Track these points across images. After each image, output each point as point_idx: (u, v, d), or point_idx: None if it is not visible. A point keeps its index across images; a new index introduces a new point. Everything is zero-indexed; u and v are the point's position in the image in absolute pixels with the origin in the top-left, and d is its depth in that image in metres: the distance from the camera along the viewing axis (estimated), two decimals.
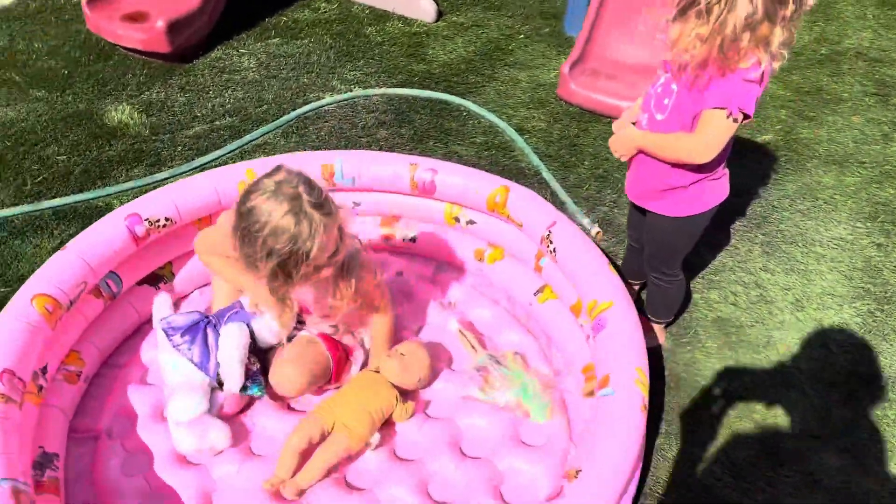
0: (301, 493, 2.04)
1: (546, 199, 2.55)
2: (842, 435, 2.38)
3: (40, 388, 2.12)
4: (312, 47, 4.20)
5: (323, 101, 3.74)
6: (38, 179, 3.25)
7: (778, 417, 2.42)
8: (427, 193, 2.67)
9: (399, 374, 2.22)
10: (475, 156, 3.44)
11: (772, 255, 2.99)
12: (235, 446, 2.18)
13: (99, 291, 2.36)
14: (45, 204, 3.10)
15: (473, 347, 2.38)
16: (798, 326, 2.72)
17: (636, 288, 2.71)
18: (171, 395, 2.16)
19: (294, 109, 3.69)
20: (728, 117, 1.86)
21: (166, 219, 2.42)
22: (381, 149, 3.45)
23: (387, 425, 2.23)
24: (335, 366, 2.27)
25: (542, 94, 3.88)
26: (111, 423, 2.25)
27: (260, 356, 2.28)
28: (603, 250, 2.43)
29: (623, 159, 2.17)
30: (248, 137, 3.48)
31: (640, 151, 2.12)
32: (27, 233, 2.97)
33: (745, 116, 1.87)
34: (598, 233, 2.98)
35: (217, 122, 3.61)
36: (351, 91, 3.84)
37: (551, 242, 2.41)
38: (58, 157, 3.37)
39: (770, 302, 2.81)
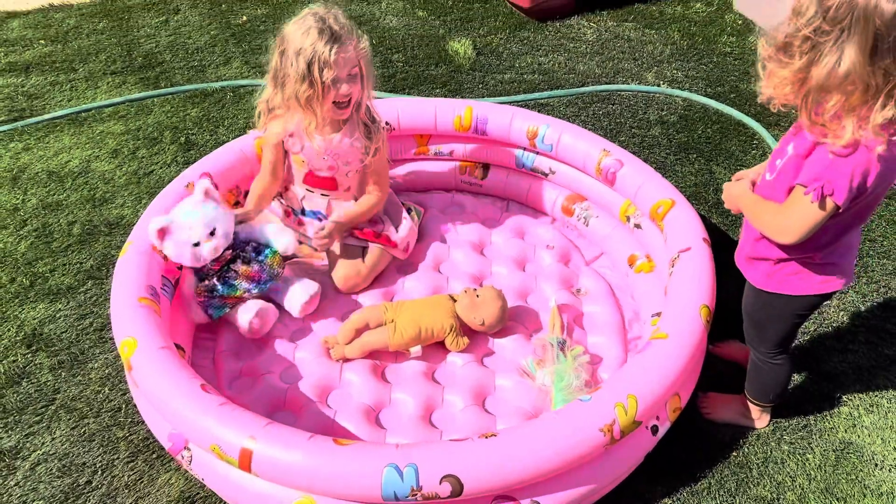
0: (345, 360, 2.41)
1: None
2: None
3: (237, 203, 2.80)
4: (655, 38, 4.25)
5: (622, 87, 3.82)
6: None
7: None
8: (609, 183, 2.70)
9: (465, 310, 2.40)
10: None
11: None
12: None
13: None
14: None
15: (554, 327, 2.42)
16: None
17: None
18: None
19: (594, 85, 3.85)
20: (812, 201, 1.61)
21: (387, 123, 2.89)
22: (642, 144, 3.45)
23: (443, 348, 2.44)
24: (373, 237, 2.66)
25: None
26: None
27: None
28: None
29: (735, 212, 1.98)
30: (534, 94, 3.78)
31: None
32: None
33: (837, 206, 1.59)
34: None
35: (526, 76, 3.96)
36: (658, 86, 3.84)
37: (673, 266, 2.30)
38: (398, 62, 4.09)
39: None
